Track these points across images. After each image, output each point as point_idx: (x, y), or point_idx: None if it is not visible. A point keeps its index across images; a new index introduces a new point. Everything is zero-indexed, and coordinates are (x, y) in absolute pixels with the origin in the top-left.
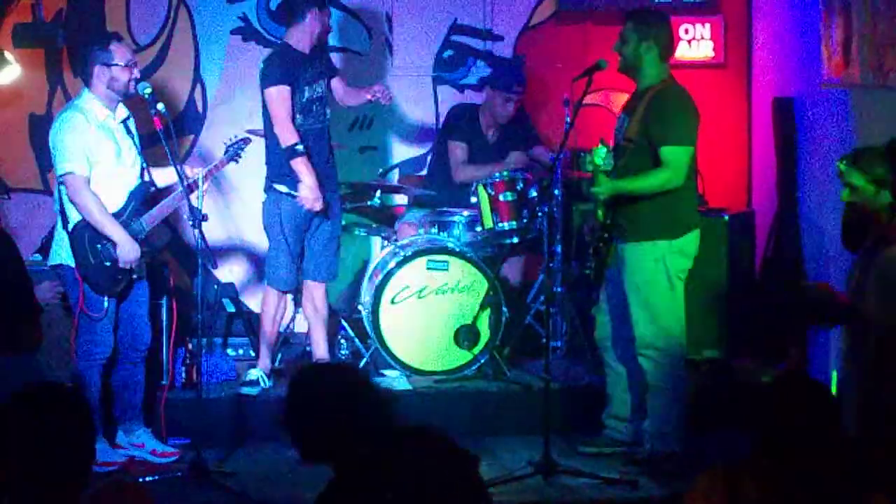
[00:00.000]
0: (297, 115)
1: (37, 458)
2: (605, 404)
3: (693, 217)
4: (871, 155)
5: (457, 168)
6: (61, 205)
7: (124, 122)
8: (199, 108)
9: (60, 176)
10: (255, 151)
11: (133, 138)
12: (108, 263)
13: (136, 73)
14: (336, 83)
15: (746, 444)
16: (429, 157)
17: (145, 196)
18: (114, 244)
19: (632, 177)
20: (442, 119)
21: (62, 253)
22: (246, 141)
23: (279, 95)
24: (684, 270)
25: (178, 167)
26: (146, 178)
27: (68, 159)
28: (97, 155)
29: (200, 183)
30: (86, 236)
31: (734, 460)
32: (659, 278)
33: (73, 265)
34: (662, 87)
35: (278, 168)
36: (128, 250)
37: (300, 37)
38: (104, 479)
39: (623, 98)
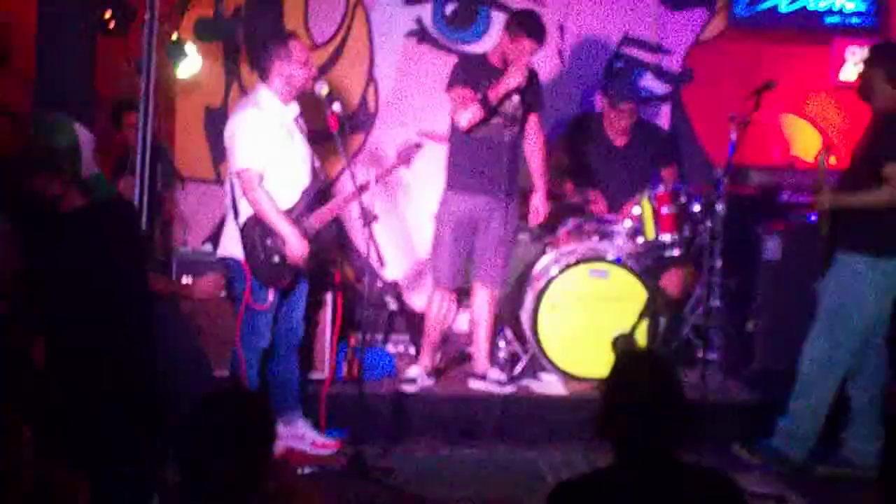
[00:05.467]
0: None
1: (221, 459)
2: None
3: None
4: None
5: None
6: (234, 199)
7: (296, 118)
8: (371, 108)
9: (235, 171)
10: (426, 150)
11: (304, 135)
12: (276, 259)
13: (314, 71)
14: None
15: None
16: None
17: (317, 194)
18: (283, 240)
19: (854, 191)
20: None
21: (232, 246)
22: (418, 146)
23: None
24: (885, 292)
25: (350, 167)
26: (319, 175)
27: (244, 155)
28: (273, 152)
29: (372, 185)
30: (256, 231)
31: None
32: (853, 292)
33: (241, 258)
34: (891, 111)
35: (449, 167)
36: (296, 247)
37: (493, 48)
38: (278, 478)
39: (790, 118)
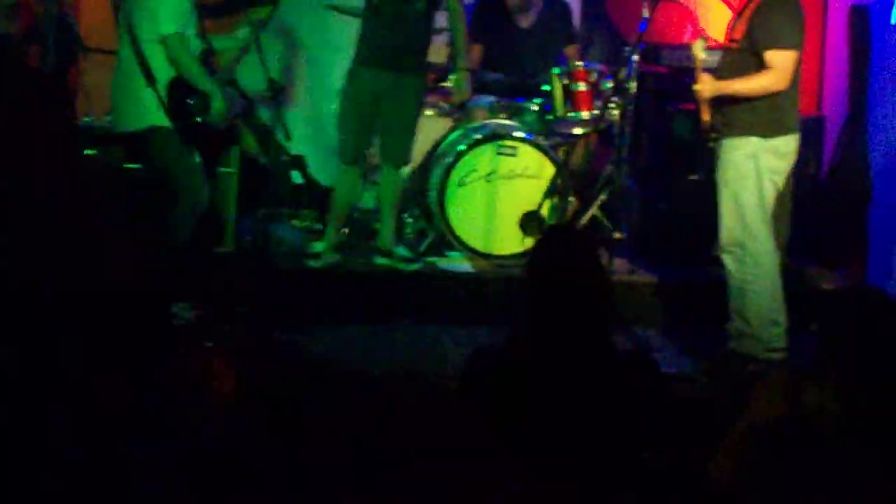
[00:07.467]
0: None
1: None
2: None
3: (791, 119)
4: None
5: None
6: (147, 65)
7: None
8: None
9: (162, 36)
10: (340, 23)
11: None
12: (198, 119)
13: None
14: None
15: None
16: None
17: (205, 62)
18: (208, 99)
19: (736, 78)
20: None
21: (150, 115)
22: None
23: None
24: (777, 172)
25: (257, 38)
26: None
27: (172, 19)
28: (189, 17)
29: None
30: (180, 94)
31: (797, 369)
32: (748, 174)
33: (162, 124)
34: None
35: (359, 41)
36: (221, 103)
37: None
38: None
39: None
